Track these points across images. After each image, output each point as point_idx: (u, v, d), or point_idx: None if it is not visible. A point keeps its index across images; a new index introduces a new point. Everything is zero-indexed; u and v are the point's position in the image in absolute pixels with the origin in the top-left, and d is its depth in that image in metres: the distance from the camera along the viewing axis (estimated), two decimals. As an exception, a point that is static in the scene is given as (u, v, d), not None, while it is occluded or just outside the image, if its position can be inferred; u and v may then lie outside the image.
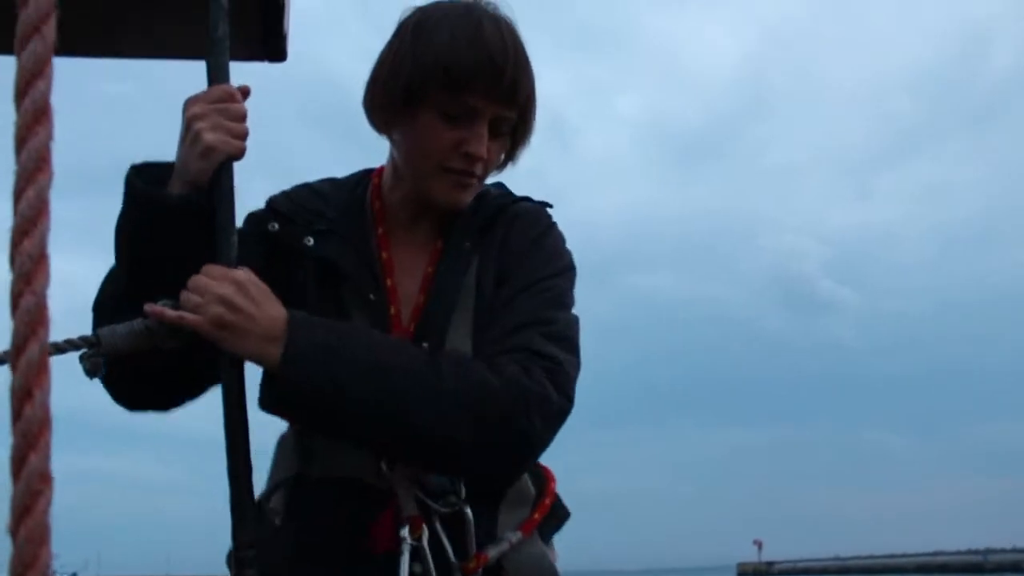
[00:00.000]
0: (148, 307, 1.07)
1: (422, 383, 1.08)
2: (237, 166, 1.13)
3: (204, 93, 1.13)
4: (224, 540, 1.11)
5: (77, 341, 1.03)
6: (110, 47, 1.13)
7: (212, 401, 1.14)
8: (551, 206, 1.36)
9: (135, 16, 1.11)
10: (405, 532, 1.16)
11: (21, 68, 0.52)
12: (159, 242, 1.11)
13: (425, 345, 1.18)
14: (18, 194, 0.51)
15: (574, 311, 1.27)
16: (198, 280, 1.08)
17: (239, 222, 1.15)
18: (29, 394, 0.49)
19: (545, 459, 1.25)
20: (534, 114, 1.27)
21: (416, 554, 1.15)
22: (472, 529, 1.19)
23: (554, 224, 1.33)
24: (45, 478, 0.48)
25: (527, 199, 1.35)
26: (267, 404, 1.10)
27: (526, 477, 1.28)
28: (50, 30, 0.53)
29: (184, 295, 1.08)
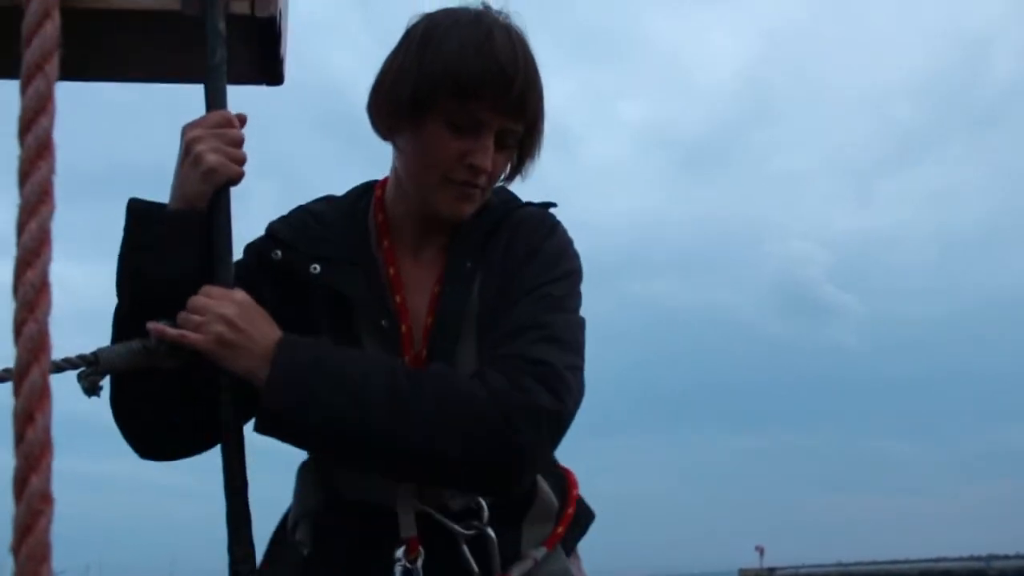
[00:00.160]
0: (150, 325, 1.09)
1: (403, 402, 1.06)
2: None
3: (203, 118, 1.14)
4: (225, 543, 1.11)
5: (76, 360, 1.05)
6: (107, 70, 1.16)
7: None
8: (555, 205, 1.34)
9: (132, 40, 1.13)
10: (400, 553, 1.16)
11: (25, 106, 0.54)
12: (158, 258, 1.13)
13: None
14: (21, 226, 0.53)
15: (580, 313, 1.24)
16: (198, 300, 1.10)
17: (238, 253, 1.17)
18: (31, 418, 0.51)
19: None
20: (542, 128, 1.25)
21: None
22: (496, 550, 1.19)
23: (557, 225, 1.30)
24: (46, 498, 0.50)
25: (530, 204, 1.33)
26: (255, 426, 1.10)
27: (548, 490, 1.27)
28: (53, 68, 0.55)
29: (183, 315, 1.09)
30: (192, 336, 1.08)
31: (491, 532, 1.19)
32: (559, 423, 1.12)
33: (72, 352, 1.06)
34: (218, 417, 1.12)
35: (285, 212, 1.32)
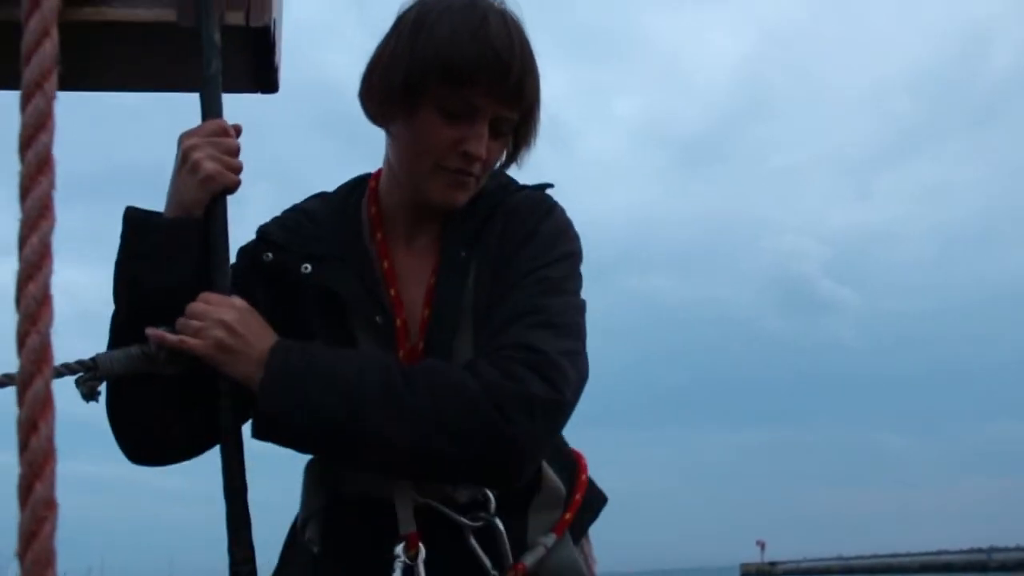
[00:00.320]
0: (149, 331, 1.10)
1: (397, 399, 1.05)
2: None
3: (200, 127, 1.15)
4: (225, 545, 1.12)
5: (74, 365, 1.06)
6: (104, 81, 1.17)
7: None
8: (551, 186, 1.30)
9: (129, 51, 1.15)
10: (399, 550, 1.15)
11: (25, 123, 0.56)
12: (155, 266, 1.13)
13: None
14: (23, 240, 0.55)
15: (580, 295, 1.21)
16: (196, 306, 1.11)
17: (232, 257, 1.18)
18: (35, 426, 0.52)
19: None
20: (538, 115, 1.22)
21: (408, 573, 1.14)
22: (505, 540, 1.18)
23: (554, 206, 1.27)
24: (50, 505, 0.51)
25: (525, 187, 1.30)
26: (252, 432, 1.10)
27: (554, 476, 1.25)
28: (52, 86, 0.57)
29: (182, 321, 1.10)
30: (192, 341, 1.09)
31: (499, 523, 1.17)
32: (555, 412, 1.09)
33: (70, 356, 1.07)
34: (214, 422, 1.13)
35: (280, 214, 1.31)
